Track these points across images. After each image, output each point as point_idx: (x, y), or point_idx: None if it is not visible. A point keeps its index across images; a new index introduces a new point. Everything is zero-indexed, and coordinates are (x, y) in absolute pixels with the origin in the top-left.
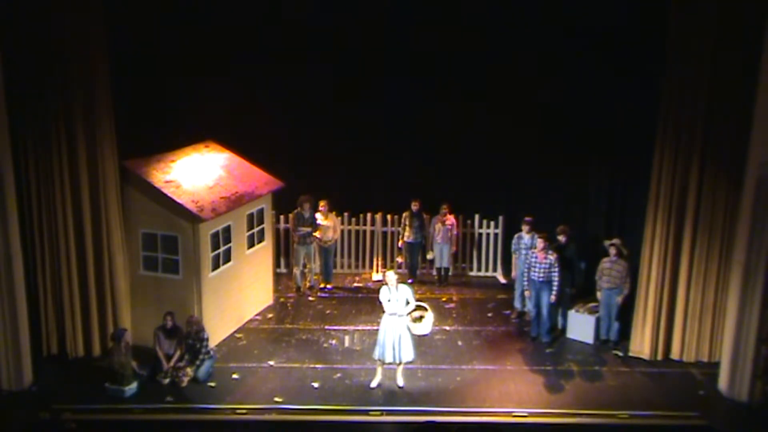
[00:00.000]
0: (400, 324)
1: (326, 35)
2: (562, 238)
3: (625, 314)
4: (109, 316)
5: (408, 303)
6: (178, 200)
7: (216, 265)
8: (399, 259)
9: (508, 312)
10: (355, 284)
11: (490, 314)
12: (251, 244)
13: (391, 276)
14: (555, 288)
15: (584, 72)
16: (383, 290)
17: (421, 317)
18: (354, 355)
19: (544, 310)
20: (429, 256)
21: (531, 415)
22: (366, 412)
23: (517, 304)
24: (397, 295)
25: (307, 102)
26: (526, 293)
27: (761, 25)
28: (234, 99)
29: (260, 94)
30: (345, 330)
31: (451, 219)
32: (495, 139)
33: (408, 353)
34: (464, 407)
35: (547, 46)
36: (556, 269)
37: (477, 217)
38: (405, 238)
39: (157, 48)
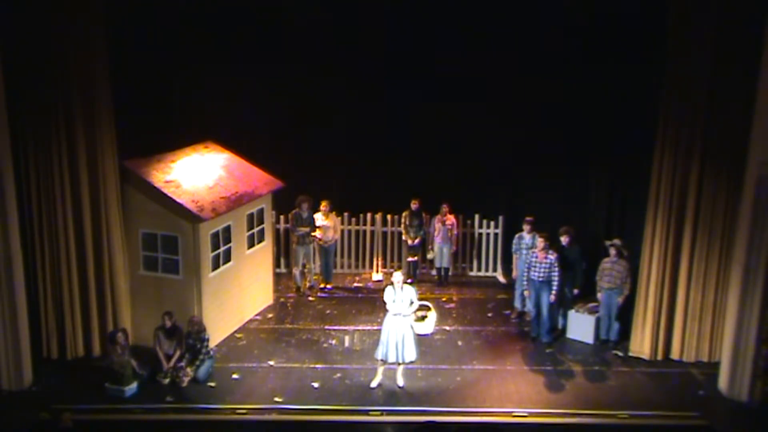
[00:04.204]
0: (404, 324)
1: (326, 35)
2: (565, 239)
3: (625, 314)
4: (109, 316)
5: (412, 303)
6: (178, 200)
7: (216, 265)
8: (410, 259)
9: (508, 312)
10: (355, 284)
11: (490, 314)
12: (251, 244)
13: (398, 276)
14: (555, 288)
15: (584, 72)
16: (388, 290)
17: (424, 317)
18: (354, 355)
19: (544, 310)
20: (429, 256)
21: (531, 415)
22: (366, 412)
23: (517, 304)
24: (402, 296)
25: (307, 102)
26: (526, 293)
27: (761, 25)
28: (234, 99)
29: (260, 94)
30: (345, 330)
31: (451, 219)
32: (495, 138)
33: (411, 353)
34: (464, 407)
35: (548, 45)
36: (556, 269)
37: (477, 217)
38: (409, 242)
39: (157, 48)
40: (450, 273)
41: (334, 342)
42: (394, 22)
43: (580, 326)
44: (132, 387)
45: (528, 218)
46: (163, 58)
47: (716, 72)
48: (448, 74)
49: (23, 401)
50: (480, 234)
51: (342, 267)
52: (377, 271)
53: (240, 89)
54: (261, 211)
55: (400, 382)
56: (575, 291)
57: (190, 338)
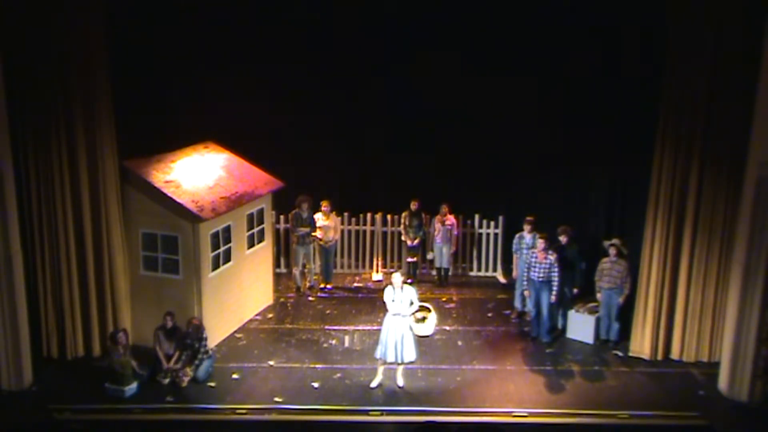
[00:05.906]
0: (403, 324)
1: (326, 34)
2: (563, 239)
3: (625, 314)
4: (109, 316)
5: (412, 304)
6: (178, 200)
7: (216, 265)
8: (409, 259)
9: (508, 312)
10: (355, 284)
11: (490, 314)
12: (251, 244)
13: (397, 277)
14: (555, 288)
15: (584, 72)
16: (387, 290)
17: (424, 318)
18: (354, 355)
19: (544, 310)
20: (429, 256)
21: (531, 415)
22: (366, 412)
23: (517, 304)
24: (401, 296)
25: (307, 102)
26: (526, 293)
27: (761, 25)
28: (234, 99)
29: (260, 94)
30: (345, 330)
31: (451, 219)
32: (495, 138)
33: (410, 353)
34: (464, 407)
35: (548, 46)
36: (556, 269)
37: (477, 217)
38: (409, 243)
39: (156, 48)
40: (450, 273)
41: (334, 342)
42: (395, 22)
43: (580, 326)
44: (132, 387)
45: (529, 218)
46: (163, 59)
47: (716, 73)
48: (448, 74)
49: (23, 401)
50: (480, 234)
51: (342, 267)
52: (377, 271)
53: (240, 89)
54: (261, 211)
55: (400, 382)
56: (575, 290)
57: (188, 338)
